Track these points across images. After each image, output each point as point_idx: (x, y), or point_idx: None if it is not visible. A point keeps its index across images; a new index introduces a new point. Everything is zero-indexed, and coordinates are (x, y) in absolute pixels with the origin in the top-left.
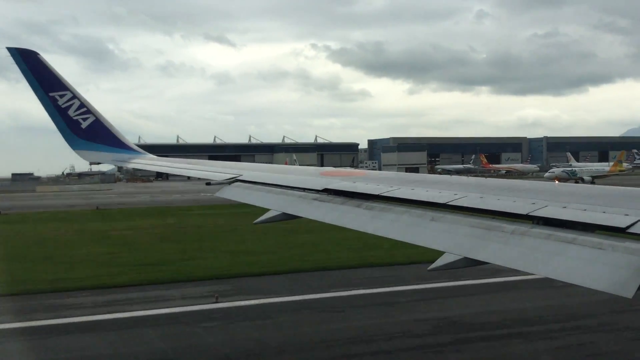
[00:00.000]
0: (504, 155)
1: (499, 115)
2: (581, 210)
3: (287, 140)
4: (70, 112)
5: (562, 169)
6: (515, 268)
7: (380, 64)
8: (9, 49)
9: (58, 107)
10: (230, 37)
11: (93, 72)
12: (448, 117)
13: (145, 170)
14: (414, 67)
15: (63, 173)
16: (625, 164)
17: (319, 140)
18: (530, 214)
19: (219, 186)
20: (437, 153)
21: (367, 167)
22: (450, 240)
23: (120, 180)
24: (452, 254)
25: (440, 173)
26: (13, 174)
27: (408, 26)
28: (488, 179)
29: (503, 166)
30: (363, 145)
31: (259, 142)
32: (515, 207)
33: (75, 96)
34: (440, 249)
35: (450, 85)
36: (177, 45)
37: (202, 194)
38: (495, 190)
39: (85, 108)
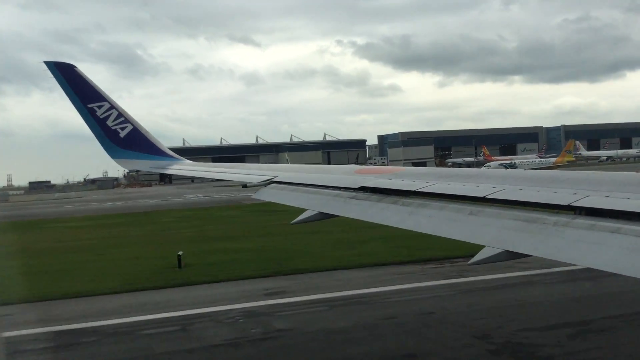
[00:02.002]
0: (519, 146)
1: (534, 105)
2: (624, 199)
3: (294, 139)
4: (109, 122)
5: (499, 163)
6: (558, 260)
7: (408, 58)
8: (47, 64)
9: (97, 118)
10: (255, 38)
11: (123, 78)
12: (483, 108)
13: (148, 175)
14: (443, 59)
15: (84, 179)
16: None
17: (328, 138)
18: (572, 204)
19: (256, 188)
20: (449, 146)
21: (375, 163)
22: (490, 233)
23: (119, 185)
24: (492, 247)
25: (450, 166)
26: (30, 182)
27: (433, 18)
28: (527, 170)
29: (503, 158)
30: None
31: (265, 142)
32: (556, 198)
33: (112, 106)
34: (480, 243)
35: (482, 76)
36: (203, 47)
37: (150, 201)
38: (535, 182)
39: (122, 117)
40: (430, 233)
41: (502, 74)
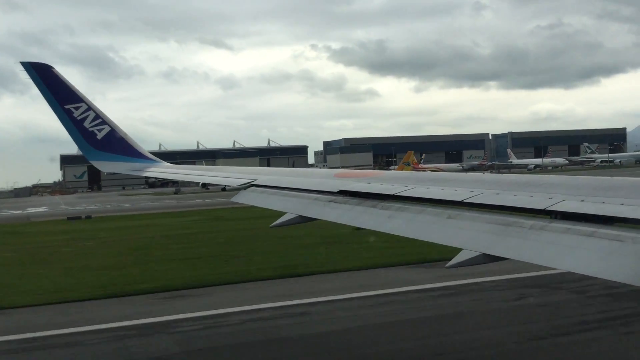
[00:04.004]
0: (465, 153)
1: (511, 111)
2: (599, 203)
3: (237, 145)
4: (86, 124)
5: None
6: (534, 263)
7: (384, 63)
8: (23, 64)
9: (74, 119)
10: (229, 42)
11: (96, 80)
12: (461, 114)
13: (76, 182)
14: (418, 65)
15: (32, 185)
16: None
17: (272, 144)
18: (547, 208)
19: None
20: (394, 153)
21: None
22: (468, 237)
23: (35, 193)
24: (470, 250)
25: None
26: None
27: (408, 23)
28: (504, 174)
29: (429, 166)
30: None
31: (204, 148)
32: (533, 203)
33: (90, 107)
34: (458, 246)
35: (458, 81)
36: (175, 50)
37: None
38: (512, 186)
39: (100, 119)
40: (409, 236)
41: (478, 79)
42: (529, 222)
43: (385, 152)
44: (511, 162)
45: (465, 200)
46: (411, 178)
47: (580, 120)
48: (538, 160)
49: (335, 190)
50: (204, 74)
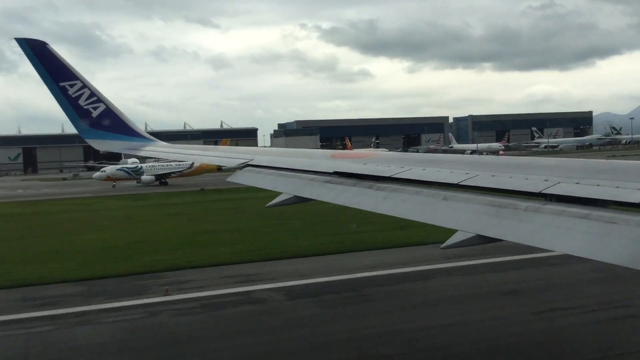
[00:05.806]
0: (423, 137)
1: (507, 93)
2: (594, 186)
3: (187, 128)
4: (81, 102)
5: (118, 167)
6: (529, 244)
7: (376, 43)
8: (18, 40)
9: (68, 97)
10: (216, 20)
11: (84, 59)
12: (458, 95)
13: (12, 164)
14: (411, 45)
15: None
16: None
17: (224, 126)
18: (543, 191)
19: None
20: (349, 135)
21: None
22: (463, 218)
23: None
24: (465, 231)
25: None
26: None
27: (398, 2)
28: (499, 157)
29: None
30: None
31: (151, 130)
32: (528, 185)
33: (85, 85)
34: (453, 227)
35: (451, 62)
36: (161, 28)
37: None
38: (507, 169)
39: (95, 97)
40: (405, 217)
41: (472, 60)
42: (524, 204)
43: (339, 135)
44: (452, 147)
45: (460, 183)
46: (408, 159)
47: (577, 102)
48: (473, 146)
49: (331, 171)
50: (193, 53)
